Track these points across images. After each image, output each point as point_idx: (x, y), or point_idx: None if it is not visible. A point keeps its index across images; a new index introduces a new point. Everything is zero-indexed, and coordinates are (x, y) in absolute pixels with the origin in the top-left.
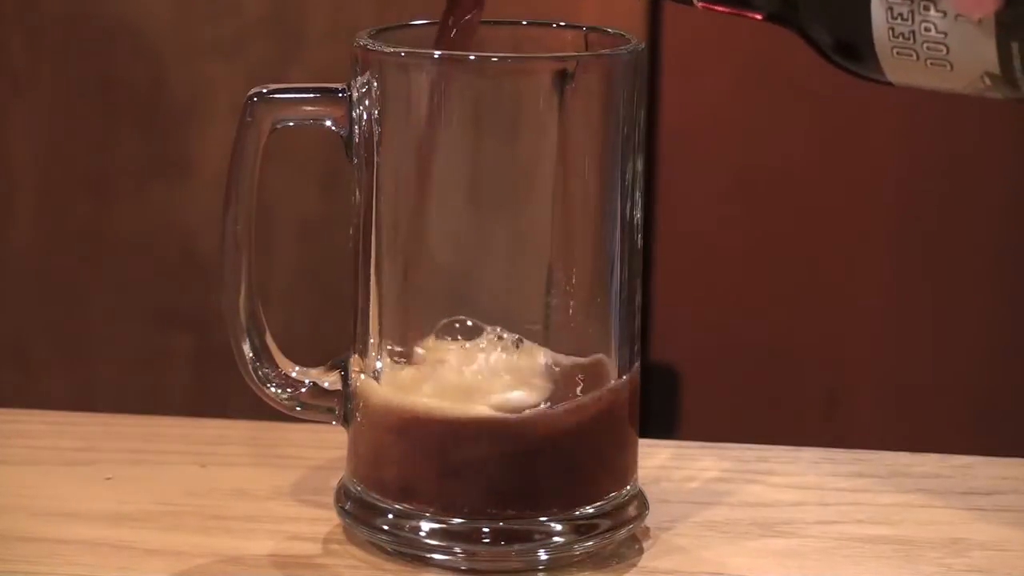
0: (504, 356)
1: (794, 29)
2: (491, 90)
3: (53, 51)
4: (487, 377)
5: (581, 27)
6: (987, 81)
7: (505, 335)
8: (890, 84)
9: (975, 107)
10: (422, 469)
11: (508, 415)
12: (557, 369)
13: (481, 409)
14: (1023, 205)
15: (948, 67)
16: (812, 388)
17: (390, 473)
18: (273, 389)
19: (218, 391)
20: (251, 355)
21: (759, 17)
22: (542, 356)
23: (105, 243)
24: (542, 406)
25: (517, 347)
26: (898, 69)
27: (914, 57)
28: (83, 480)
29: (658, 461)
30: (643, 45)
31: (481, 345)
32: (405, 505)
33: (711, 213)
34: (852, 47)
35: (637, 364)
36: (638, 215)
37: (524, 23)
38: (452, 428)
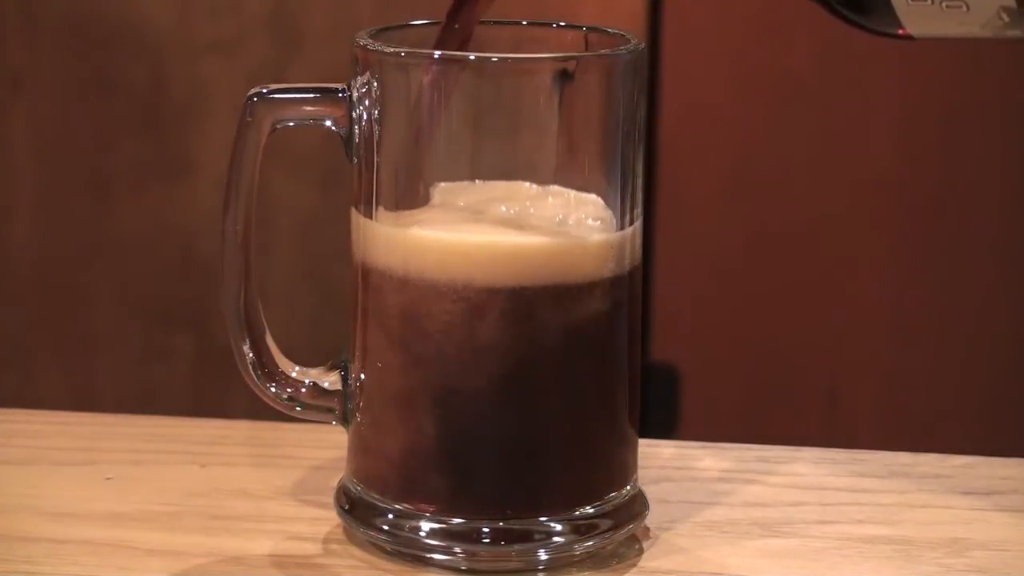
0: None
1: None
2: (491, 90)
3: (53, 51)
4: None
5: (581, 27)
6: (1004, 17)
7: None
8: (911, 38)
9: (975, 107)
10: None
11: (504, 239)
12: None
13: (479, 233)
14: (1022, 203)
15: (964, 8)
16: (812, 388)
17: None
18: (273, 389)
19: (218, 391)
20: (251, 355)
21: None
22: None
23: (105, 243)
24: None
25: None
26: (914, 17)
27: (929, 1)
28: (83, 480)
29: (658, 461)
30: (643, 45)
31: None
32: (405, 505)
33: (711, 213)
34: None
35: (639, 364)
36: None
37: (524, 23)
38: (447, 252)
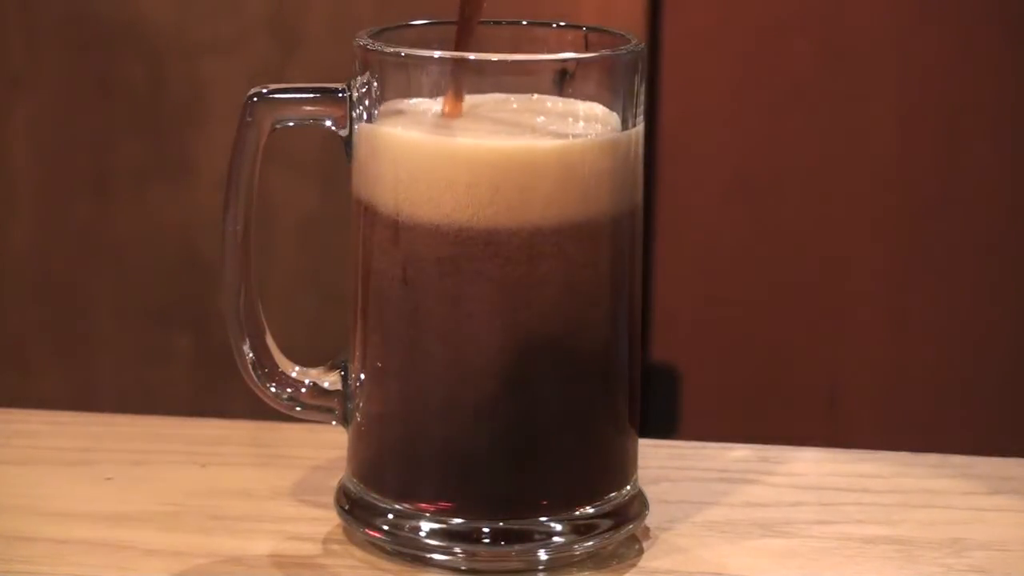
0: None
1: None
2: (491, 90)
3: (53, 51)
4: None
5: (581, 27)
6: None
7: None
8: None
9: (976, 107)
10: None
11: (505, 143)
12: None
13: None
14: (1023, 203)
15: None
16: (812, 387)
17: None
18: (273, 389)
19: (218, 391)
20: (251, 355)
21: None
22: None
23: (105, 243)
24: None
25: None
26: None
27: None
28: (83, 480)
29: (658, 461)
30: (643, 45)
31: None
32: (405, 505)
33: (711, 213)
34: None
35: (639, 363)
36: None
37: (524, 23)
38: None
